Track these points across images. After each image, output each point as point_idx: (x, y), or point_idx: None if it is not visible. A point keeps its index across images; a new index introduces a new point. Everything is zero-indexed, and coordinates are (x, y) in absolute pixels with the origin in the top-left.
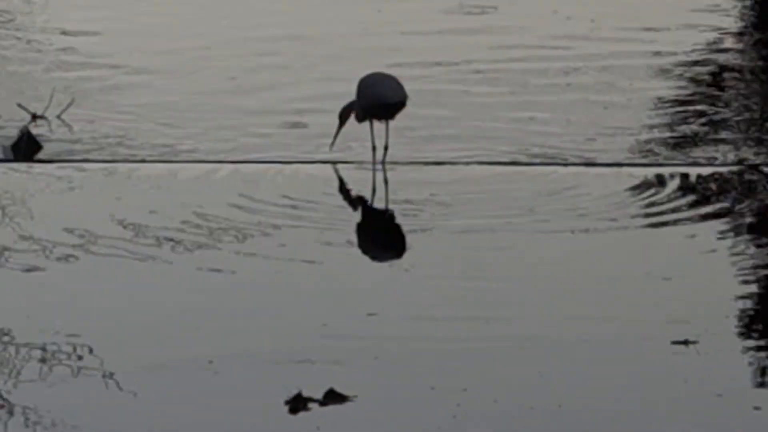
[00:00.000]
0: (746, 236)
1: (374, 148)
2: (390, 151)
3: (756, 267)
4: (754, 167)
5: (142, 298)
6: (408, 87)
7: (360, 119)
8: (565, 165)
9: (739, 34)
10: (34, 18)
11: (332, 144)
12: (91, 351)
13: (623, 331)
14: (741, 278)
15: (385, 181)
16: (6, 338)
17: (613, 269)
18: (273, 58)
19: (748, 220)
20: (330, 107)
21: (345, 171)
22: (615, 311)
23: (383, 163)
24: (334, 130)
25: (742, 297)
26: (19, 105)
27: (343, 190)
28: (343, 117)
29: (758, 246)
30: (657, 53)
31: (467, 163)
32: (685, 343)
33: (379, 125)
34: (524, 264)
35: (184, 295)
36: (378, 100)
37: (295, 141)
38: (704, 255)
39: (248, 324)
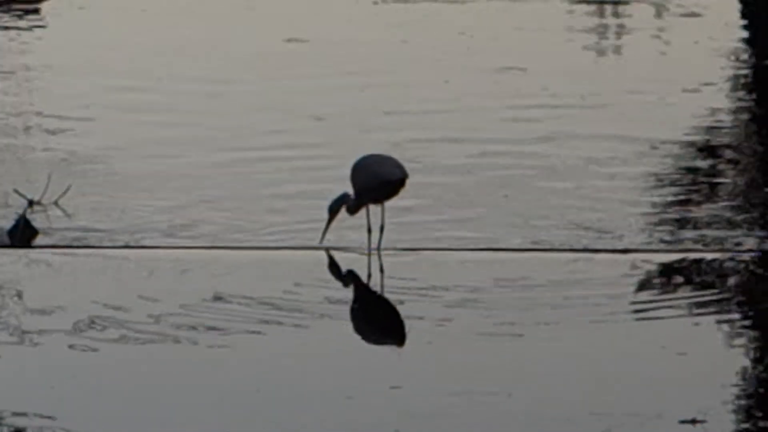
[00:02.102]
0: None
1: (370, 231)
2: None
3: None
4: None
5: (163, 380)
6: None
7: (352, 211)
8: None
9: (733, 113)
10: (30, 104)
11: (322, 238)
12: None
13: (633, 408)
14: (752, 360)
15: (381, 269)
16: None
17: (625, 347)
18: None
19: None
20: None
21: (338, 255)
22: (628, 387)
23: (379, 248)
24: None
25: (753, 377)
26: (16, 191)
27: (340, 273)
28: (334, 211)
29: None
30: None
31: (472, 249)
32: (693, 422)
33: (374, 207)
34: (539, 336)
35: (203, 370)
36: (381, 178)
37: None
38: (719, 333)
39: (272, 398)
